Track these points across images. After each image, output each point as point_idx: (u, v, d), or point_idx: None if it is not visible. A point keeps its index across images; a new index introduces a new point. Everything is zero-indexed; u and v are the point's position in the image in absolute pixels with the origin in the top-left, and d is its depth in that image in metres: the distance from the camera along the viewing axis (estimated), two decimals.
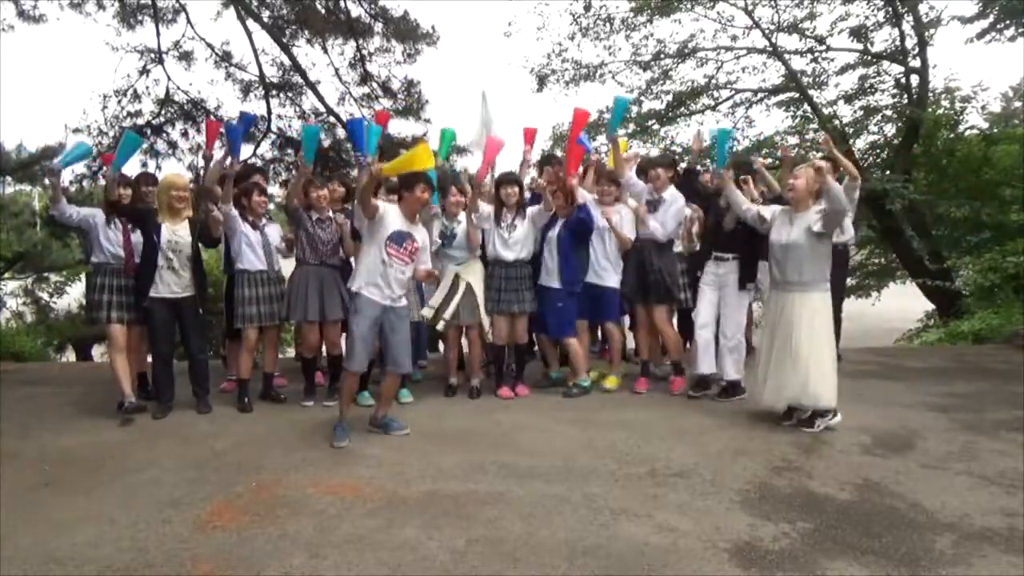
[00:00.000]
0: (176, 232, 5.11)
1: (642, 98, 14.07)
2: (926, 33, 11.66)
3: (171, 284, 5.09)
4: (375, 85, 12.48)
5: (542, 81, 14.42)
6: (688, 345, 5.95)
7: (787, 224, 4.68)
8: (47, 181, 5.03)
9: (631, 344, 6.55)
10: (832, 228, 4.54)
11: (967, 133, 12.60)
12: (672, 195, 5.58)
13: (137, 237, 5.21)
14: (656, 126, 14.11)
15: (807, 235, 4.54)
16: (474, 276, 5.59)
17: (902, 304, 13.25)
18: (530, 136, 5.96)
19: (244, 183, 5.57)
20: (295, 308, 5.36)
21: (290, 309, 5.40)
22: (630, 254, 5.65)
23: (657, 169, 5.64)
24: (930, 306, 12.76)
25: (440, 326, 5.64)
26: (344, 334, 5.31)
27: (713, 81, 13.90)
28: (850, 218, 5.67)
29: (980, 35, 11.32)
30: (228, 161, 5.52)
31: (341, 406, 4.65)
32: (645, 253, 5.59)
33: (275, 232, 5.52)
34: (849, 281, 14.24)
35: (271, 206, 5.80)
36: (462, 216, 5.52)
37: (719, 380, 5.48)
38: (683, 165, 6.14)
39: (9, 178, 14.35)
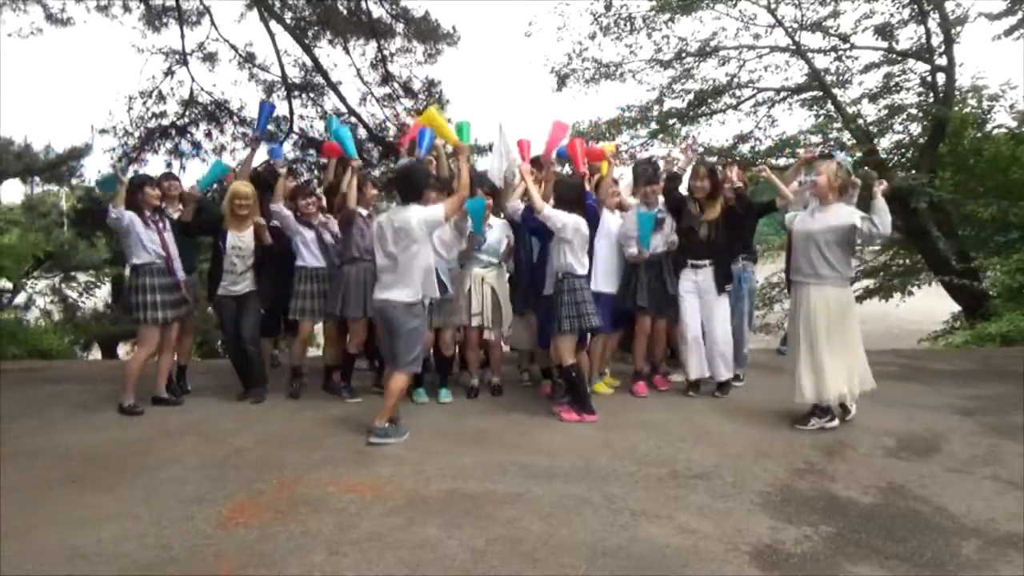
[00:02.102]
0: (240, 238, 5.39)
1: (663, 97, 13.99)
2: (952, 30, 11.48)
3: (234, 283, 5.40)
4: (396, 85, 12.57)
5: (562, 80, 14.38)
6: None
7: (810, 216, 4.74)
8: (117, 186, 5.11)
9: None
10: (867, 239, 4.59)
11: (995, 132, 12.39)
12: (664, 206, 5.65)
13: (170, 237, 5.36)
14: (677, 125, 14.01)
15: (829, 228, 4.57)
16: (497, 282, 5.57)
17: (926, 304, 13.07)
18: (525, 148, 5.85)
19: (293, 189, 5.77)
20: (351, 304, 5.40)
21: (345, 305, 5.43)
22: (641, 265, 5.58)
23: (652, 186, 5.61)
24: (956, 307, 12.57)
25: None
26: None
27: (735, 80, 13.78)
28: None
29: (1008, 32, 11.14)
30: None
31: (395, 406, 4.61)
32: (661, 265, 5.63)
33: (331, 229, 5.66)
34: (872, 283, 14.08)
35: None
36: (492, 220, 5.50)
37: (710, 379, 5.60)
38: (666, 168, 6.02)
39: (38, 178, 14.60)
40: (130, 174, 5.64)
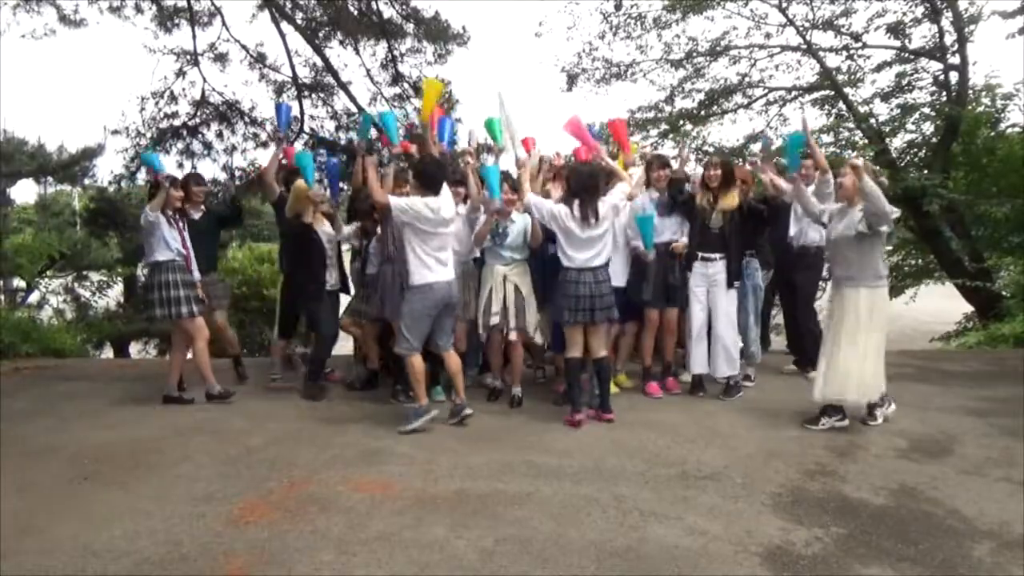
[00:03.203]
0: (327, 230, 5.60)
1: (674, 96, 13.95)
2: (965, 29, 11.39)
3: (331, 278, 5.62)
4: (406, 85, 12.60)
5: (572, 80, 14.37)
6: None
7: (840, 220, 4.69)
8: (161, 189, 5.15)
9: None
10: (876, 226, 4.45)
11: (1008, 131, 12.25)
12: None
13: (186, 237, 5.41)
14: (688, 126, 13.97)
15: (851, 231, 4.51)
16: (521, 279, 5.42)
17: (939, 305, 12.96)
18: (529, 145, 5.79)
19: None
20: (392, 307, 5.19)
21: (384, 307, 5.29)
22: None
23: (662, 171, 5.56)
24: (969, 307, 12.46)
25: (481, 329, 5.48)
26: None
27: (746, 79, 13.73)
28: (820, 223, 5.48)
29: (1023, 30, 11.05)
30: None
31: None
32: (665, 258, 5.52)
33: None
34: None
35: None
36: (515, 215, 5.37)
37: (734, 379, 5.54)
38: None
39: (51, 178, 14.74)
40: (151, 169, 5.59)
